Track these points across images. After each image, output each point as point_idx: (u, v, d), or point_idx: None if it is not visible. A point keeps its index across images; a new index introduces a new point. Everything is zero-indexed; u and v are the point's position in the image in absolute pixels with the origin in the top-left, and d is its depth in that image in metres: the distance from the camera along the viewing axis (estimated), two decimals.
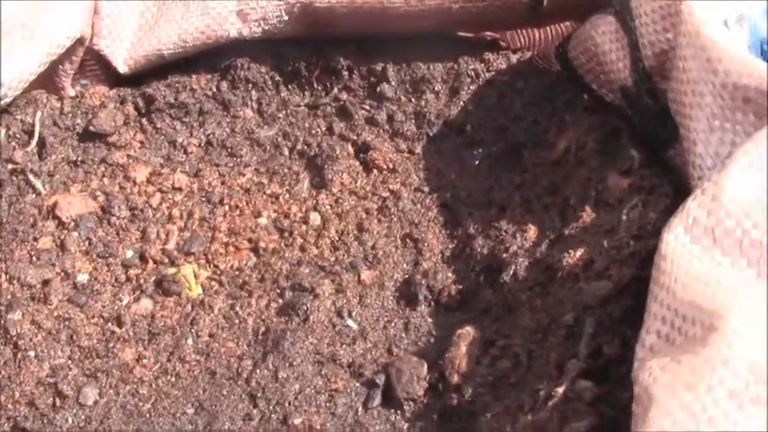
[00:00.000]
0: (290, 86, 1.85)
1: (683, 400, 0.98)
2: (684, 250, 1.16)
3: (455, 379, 1.35)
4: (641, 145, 1.53)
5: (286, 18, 1.76)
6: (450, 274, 1.56)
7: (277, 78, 1.85)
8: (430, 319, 1.50)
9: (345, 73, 1.82)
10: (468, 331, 1.40)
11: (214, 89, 1.84)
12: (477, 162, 1.72)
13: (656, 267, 1.16)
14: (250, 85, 1.84)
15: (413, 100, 1.80)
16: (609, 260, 1.32)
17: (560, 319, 1.30)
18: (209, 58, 1.85)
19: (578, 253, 1.37)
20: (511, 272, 1.45)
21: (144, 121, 1.83)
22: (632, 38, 1.55)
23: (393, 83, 1.79)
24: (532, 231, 1.51)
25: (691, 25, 1.41)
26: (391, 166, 1.74)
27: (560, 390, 1.18)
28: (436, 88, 1.78)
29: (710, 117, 1.35)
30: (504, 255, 1.50)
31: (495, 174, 1.69)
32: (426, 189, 1.72)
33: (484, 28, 1.83)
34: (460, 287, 1.53)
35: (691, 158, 1.38)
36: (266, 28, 1.78)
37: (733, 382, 0.98)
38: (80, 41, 1.78)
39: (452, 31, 1.82)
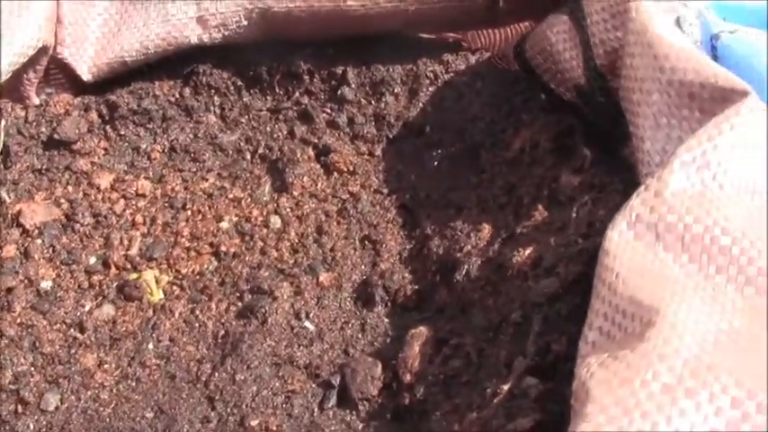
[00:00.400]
0: (252, 91, 1.87)
1: (618, 395, 0.99)
2: (627, 246, 1.17)
3: (408, 378, 1.36)
4: (596, 143, 1.54)
5: (245, 23, 1.78)
6: (406, 275, 1.57)
7: (239, 83, 1.86)
8: (386, 320, 1.52)
9: (306, 77, 1.84)
10: (421, 331, 1.41)
11: (177, 95, 1.86)
12: (436, 163, 1.74)
13: (599, 264, 1.17)
14: (212, 91, 1.86)
15: (373, 102, 1.81)
16: (557, 258, 1.33)
17: (510, 318, 1.31)
18: (172, 64, 1.86)
19: (527, 251, 1.38)
20: (464, 271, 1.47)
21: (108, 128, 1.85)
22: (584, 37, 1.57)
23: (353, 86, 1.81)
24: (486, 231, 1.53)
25: (639, 23, 1.43)
26: (351, 168, 1.76)
27: (506, 387, 1.19)
28: (396, 90, 1.80)
29: (657, 114, 1.36)
30: (459, 254, 1.51)
31: (454, 174, 1.71)
32: (385, 191, 1.74)
33: (443, 29, 1.84)
34: (416, 287, 1.54)
35: (639, 155, 1.39)
36: (226, 34, 1.80)
37: (667, 376, 0.99)
38: (44, 50, 1.79)
39: (412, 33, 1.83)
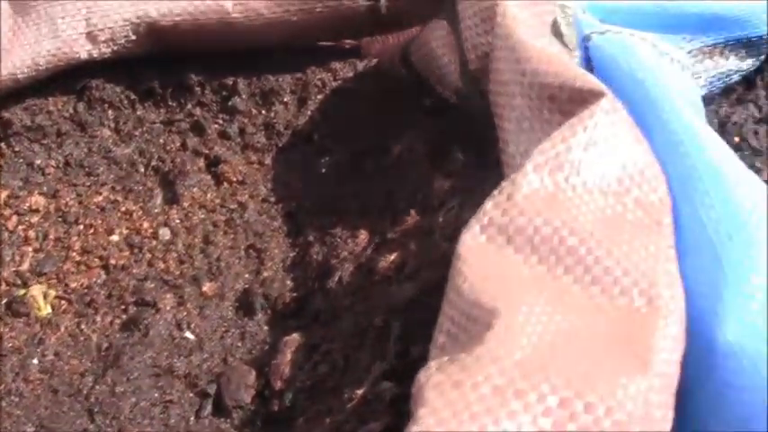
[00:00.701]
0: (145, 104, 1.88)
1: (449, 398, 1.01)
2: (479, 250, 1.19)
3: (278, 385, 1.38)
4: (472, 147, 1.56)
5: (134, 38, 1.80)
6: (288, 282, 1.59)
7: (132, 97, 1.88)
8: (266, 327, 1.54)
9: (198, 89, 1.86)
10: (294, 338, 1.43)
11: (71, 110, 1.87)
12: (323, 170, 1.76)
13: (452, 267, 1.19)
14: (106, 105, 1.87)
15: (263, 112, 1.83)
16: (420, 262, 1.35)
17: (374, 323, 1.33)
18: (65, 80, 1.87)
19: (393, 256, 1.40)
20: (336, 277, 1.49)
21: (2, 145, 1.85)
22: (459, 41, 1.59)
23: (244, 96, 1.83)
24: (363, 236, 1.55)
25: (504, 27, 1.45)
26: (241, 178, 1.78)
27: (360, 392, 1.22)
28: (285, 99, 1.82)
29: (520, 117, 1.38)
30: (334, 261, 1.53)
31: (339, 181, 1.73)
32: (273, 199, 1.75)
33: (332, 37, 1.86)
34: (295, 294, 1.56)
35: (504, 159, 1.41)
36: (115, 48, 1.82)
37: (499, 378, 1.00)
38: None
39: (303, 42, 1.85)
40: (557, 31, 1.53)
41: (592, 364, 1.03)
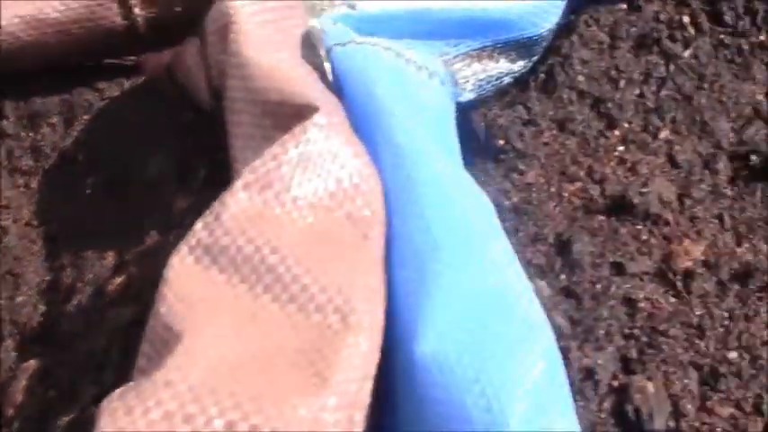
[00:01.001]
0: None
1: (120, 424, 1.01)
2: (186, 272, 1.20)
3: (10, 413, 1.39)
4: (216, 163, 1.57)
5: None
6: (41, 307, 1.60)
7: None
8: (13, 354, 1.54)
9: None
10: (30, 364, 1.44)
11: None
12: (87, 192, 1.76)
13: (157, 291, 1.20)
14: None
15: (30, 134, 1.83)
16: (144, 284, 1.37)
17: (100, 346, 1.35)
18: None
19: (121, 278, 1.42)
20: (76, 301, 1.50)
21: None
22: (204, 58, 1.60)
23: (11, 119, 1.83)
24: (110, 258, 1.56)
25: (236, 44, 1.46)
26: (6, 202, 1.77)
27: (67, 418, 1.23)
28: (52, 121, 1.82)
29: (246, 135, 1.40)
30: (80, 284, 1.54)
31: (100, 202, 1.73)
32: (35, 223, 1.75)
33: (98, 56, 1.87)
34: (42, 320, 1.57)
35: (234, 176, 1.43)
36: None
37: (171, 403, 1.02)
38: None
39: (67, 63, 1.85)
40: (310, 45, 1.55)
41: (268, 385, 1.04)
